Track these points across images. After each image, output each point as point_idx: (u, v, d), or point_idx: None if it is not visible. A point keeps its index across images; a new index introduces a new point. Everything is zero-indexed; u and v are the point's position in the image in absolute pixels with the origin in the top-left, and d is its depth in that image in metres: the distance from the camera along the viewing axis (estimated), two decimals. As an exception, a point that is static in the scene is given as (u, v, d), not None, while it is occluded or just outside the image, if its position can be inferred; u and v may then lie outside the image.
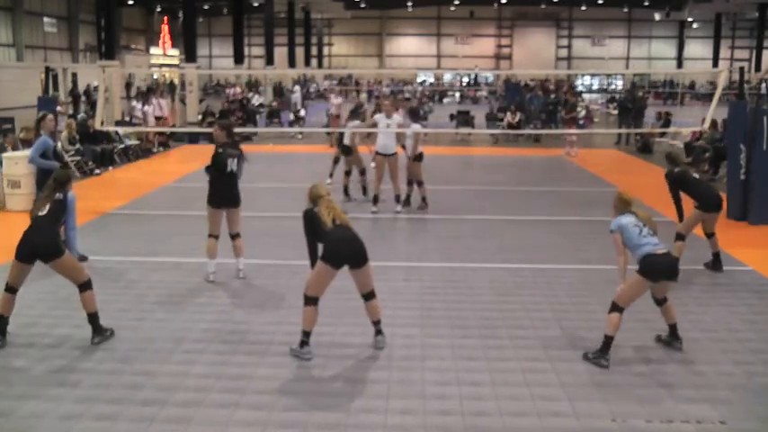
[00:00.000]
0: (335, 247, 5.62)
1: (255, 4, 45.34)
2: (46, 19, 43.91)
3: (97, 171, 15.12)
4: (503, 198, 12.72)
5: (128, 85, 35.16)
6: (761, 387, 5.22)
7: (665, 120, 21.60)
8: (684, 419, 4.71)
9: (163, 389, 5.06)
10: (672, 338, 5.93)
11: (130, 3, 49.42)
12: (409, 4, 57.16)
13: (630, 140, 21.63)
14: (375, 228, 10.31)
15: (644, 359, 5.69)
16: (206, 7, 50.77)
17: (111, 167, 15.80)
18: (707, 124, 13.59)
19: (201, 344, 5.88)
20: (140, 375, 5.27)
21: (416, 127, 11.78)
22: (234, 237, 7.71)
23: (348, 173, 12.16)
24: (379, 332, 5.92)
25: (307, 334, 5.63)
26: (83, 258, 7.83)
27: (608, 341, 5.58)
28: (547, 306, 6.94)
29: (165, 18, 54.49)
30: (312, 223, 5.73)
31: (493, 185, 13.39)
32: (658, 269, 5.60)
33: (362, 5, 55.37)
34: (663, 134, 20.43)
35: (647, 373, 5.42)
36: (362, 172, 12.21)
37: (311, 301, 5.64)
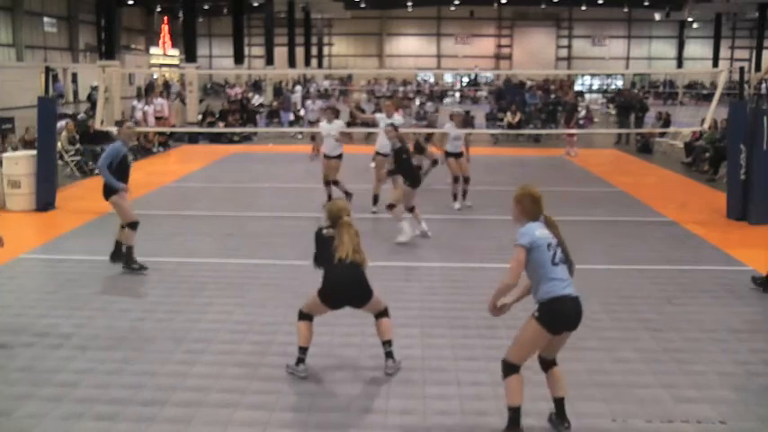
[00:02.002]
0: (333, 289, 5.15)
1: (255, 4, 45.34)
2: (46, 19, 43.89)
3: (97, 171, 15.10)
4: (503, 198, 12.66)
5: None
6: (761, 387, 5.22)
7: (665, 120, 21.60)
8: (684, 419, 4.71)
9: (163, 389, 5.06)
10: (558, 420, 4.48)
11: (130, 3, 49.41)
12: (409, 4, 57.15)
13: (630, 140, 21.64)
14: (375, 228, 10.31)
15: (644, 359, 5.68)
16: (206, 7, 50.75)
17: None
18: (707, 124, 13.60)
19: (201, 344, 5.89)
20: (140, 375, 5.27)
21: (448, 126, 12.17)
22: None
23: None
24: (389, 355, 5.32)
25: (302, 350, 5.22)
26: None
27: (515, 416, 4.29)
28: (547, 306, 6.92)
29: (165, 18, 54.51)
30: (321, 246, 5.28)
31: (493, 185, 13.38)
32: (564, 319, 4.24)
33: (362, 5, 55.36)
34: (663, 134, 20.43)
35: (647, 373, 5.42)
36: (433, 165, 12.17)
37: (305, 317, 5.27)
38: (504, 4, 56.65)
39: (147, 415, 4.68)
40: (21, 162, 11.21)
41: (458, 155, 11.68)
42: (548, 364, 4.45)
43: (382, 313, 5.36)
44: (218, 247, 9.15)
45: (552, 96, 27.11)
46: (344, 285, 5.17)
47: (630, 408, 4.86)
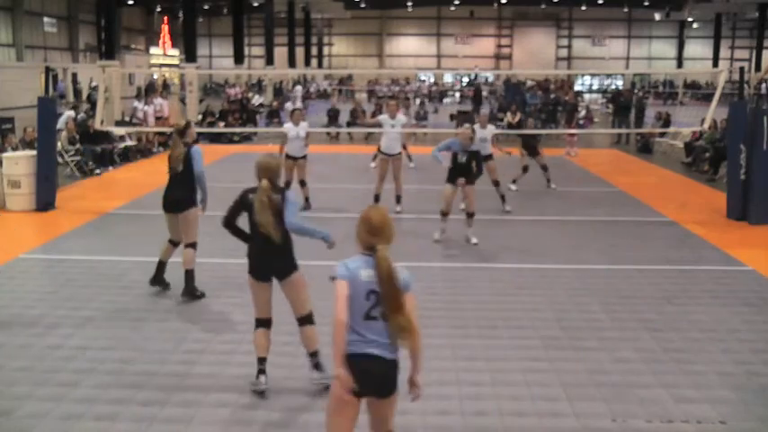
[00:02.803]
0: (255, 258, 4.97)
1: (255, 4, 45.34)
2: (46, 19, 43.89)
3: (97, 171, 15.11)
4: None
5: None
6: (761, 387, 5.22)
7: (665, 120, 21.60)
8: (684, 419, 4.71)
9: (163, 389, 5.06)
10: None
11: (130, 3, 49.41)
12: (409, 4, 57.14)
13: (630, 140, 21.64)
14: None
15: (644, 359, 5.68)
16: (206, 7, 50.75)
17: (110, 167, 15.79)
18: (707, 124, 13.59)
19: (201, 344, 5.89)
20: (140, 375, 5.27)
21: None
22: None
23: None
24: (316, 366, 4.97)
25: (261, 361, 4.99)
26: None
27: None
28: (547, 306, 6.93)
29: (165, 18, 54.49)
30: (240, 209, 5.02)
31: (492, 185, 13.36)
32: (364, 380, 3.44)
33: (362, 5, 55.35)
34: (663, 134, 20.43)
35: (647, 373, 5.42)
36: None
37: (257, 324, 5.06)
38: (504, 4, 56.64)
39: (147, 415, 4.68)
40: (21, 162, 11.20)
41: (485, 158, 11.33)
42: None
43: (306, 319, 5.00)
44: (219, 247, 9.13)
45: (552, 96, 27.09)
46: (265, 253, 4.89)
47: (630, 408, 4.86)
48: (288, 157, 11.28)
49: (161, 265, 7.21)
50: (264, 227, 4.82)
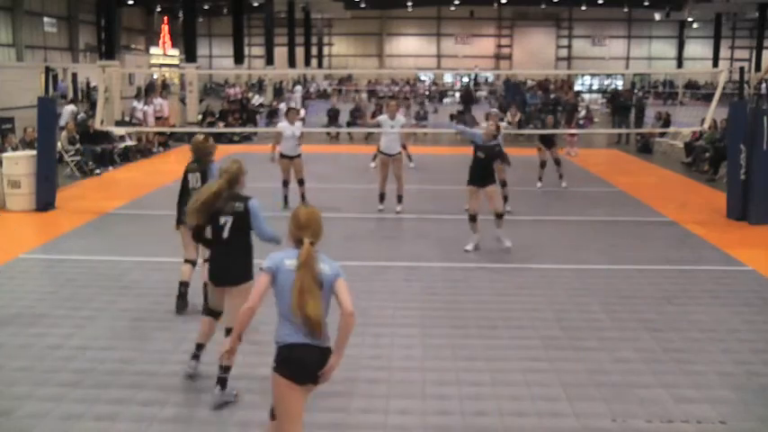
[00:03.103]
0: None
1: (255, 4, 45.34)
2: (46, 19, 43.89)
3: (97, 171, 15.11)
4: (503, 198, 12.70)
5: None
6: (761, 387, 5.22)
7: (665, 120, 21.59)
8: (684, 419, 4.71)
9: (163, 389, 5.06)
10: None
11: (130, 3, 49.41)
12: (409, 4, 57.14)
13: (630, 140, 21.63)
14: (376, 228, 10.32)
15: (644, 359, 5.68)
16: (206, 7, 50.75)
17: (110, 167, 15.79)
18: (707, 124, 13.59)
19: (201, 344, 5.88)
20: (140, 375, 5.27)
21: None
22: None
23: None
24: (221, 381, 4.80)
25: (197, 347, 5.16)
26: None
27: None
28: (547, 306, 6.93)
29: (165, 18, 54.49)
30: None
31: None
32: (296, 367, 3.56)
33: (362, 5, 55.35)
34: (663, 134, 20.42)
35: (647, 373, 5.42)
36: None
37: (206, 311, 5.16)
38: (504, 4, 56.63)
39: (147, 415, 4.68)
40: (21, 162, 11.20)
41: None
42: None
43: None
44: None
45: (551, 96, 27.07)
46: (223, 260, 4.95)
47: (630, 408, 4.86)
48: (283, 156, 11.37)
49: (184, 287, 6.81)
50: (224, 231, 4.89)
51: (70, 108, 21.21)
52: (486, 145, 9.03)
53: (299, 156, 11.43)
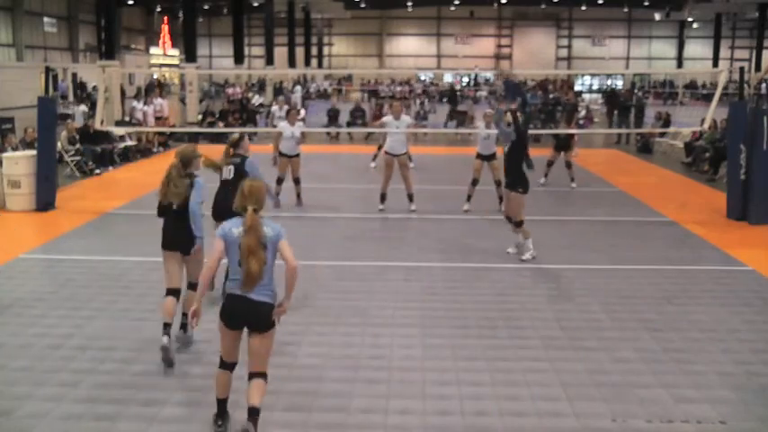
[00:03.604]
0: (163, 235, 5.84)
1: (255, 4, 45.34)
2: (46, 19, 43.89)
3: (97, 171, 15.11)
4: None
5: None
6: (761, 387, 5.22)
7: (665, 120, 21.59)
8: (684, 419, 4.71)
9: (163, 389, 5.06)
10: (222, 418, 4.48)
11: (130, 3, 49.41)
12: (409, 4, 57.14)
13: (630, 140, 21.63)
14: (376, 228, 10.32)
15: (644, 359, 5.68)
16: (206, 7, 50.75)
17: (110, 167, 15.79)
18: (707, 124, 13.59)
19: (202, 344, 5.88)
20: (140, 375, 5.27)
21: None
22: None
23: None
24: (183, 327, 5.81)
25: (165, 325, 5.55)
26: None
27: (220, 406, 4.49)
28: (547, 306, 6.93)
29: (165, 18, 54.50)
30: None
31: (493, 185, 13.36)
32: (230, 315, 4.32)
33: (362, 5, 55.35)
34: (663, 134, 20.42)
35: (647, 373, 5.42)
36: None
37: (167, 291, 5.73)
38: (504, 4, 56.63)
39: (147, 415, 4.68)
40: (21, 162, 11.20)
41: (488, 157, 11.38)
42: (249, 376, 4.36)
43: (194, 287, 5.62)
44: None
45: (551, 96, 27.07)
46: (173, 228, 5.70)
47: (630, 408, 4.86)
48: (282, 154, 11.52)
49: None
50: (173, 200, 5.65)
51: (81, 108, 21.32)
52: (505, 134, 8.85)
53: (297, 155, 11.56)
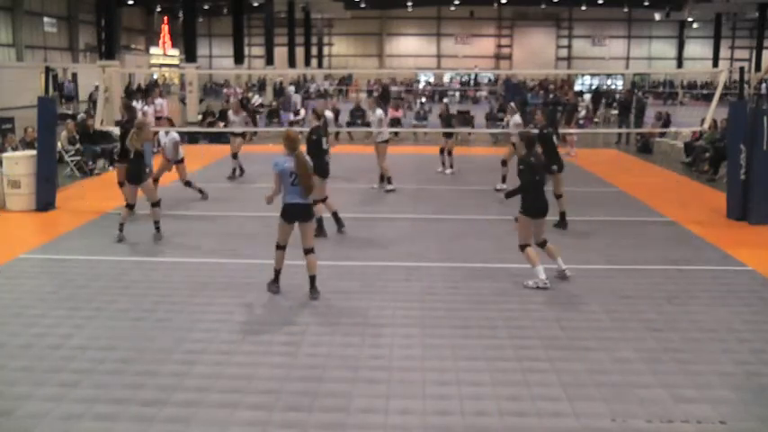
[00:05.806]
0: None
1: (255, 4, 45.36)
2: (46, 19, 43.92)
3: (97, 171, 15.12)
4: (503, 198, 12.69)
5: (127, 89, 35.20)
6: (761, 387, 5.22)
7: (665, 120, 21.59)
8: (684, 419, 4.71)
9: (163, 389, 5.06)
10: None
11: (130, 3, 49.44)
12: (409, 4, 57.17)
13: (630, 140, 21.64)
14: (376, 228, 10.32)
15: (644, 359, 5.68)
16: (206, 7, 50.79)
17: (110, 167, 15.79)
18: (707, 124, 13.60)
19: (201, 344, 5.88)
20: (140, 375, 5.27)
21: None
22: None
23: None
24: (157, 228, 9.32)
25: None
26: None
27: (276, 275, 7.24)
28: (547, 306, 6.94)
29: (165, 18, 54.55)
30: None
31: (493, 185, 13.37)
32: (289, 214, 7.00)
33: (362, 5, 55.38)
34: (663, 134, 20.42)
35: (647, 373, 5.42)
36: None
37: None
38: (504, 4, 56.67)
39: (147, 415, 4.68)
40: (21, 162, 11.20)
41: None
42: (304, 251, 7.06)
43: (156, 204, 9.41)
44: (219, 247, 9.15)
45: (551, 96, 27.08)
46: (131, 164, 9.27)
47: (630, 408, 4.86)
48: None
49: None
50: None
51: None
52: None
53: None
